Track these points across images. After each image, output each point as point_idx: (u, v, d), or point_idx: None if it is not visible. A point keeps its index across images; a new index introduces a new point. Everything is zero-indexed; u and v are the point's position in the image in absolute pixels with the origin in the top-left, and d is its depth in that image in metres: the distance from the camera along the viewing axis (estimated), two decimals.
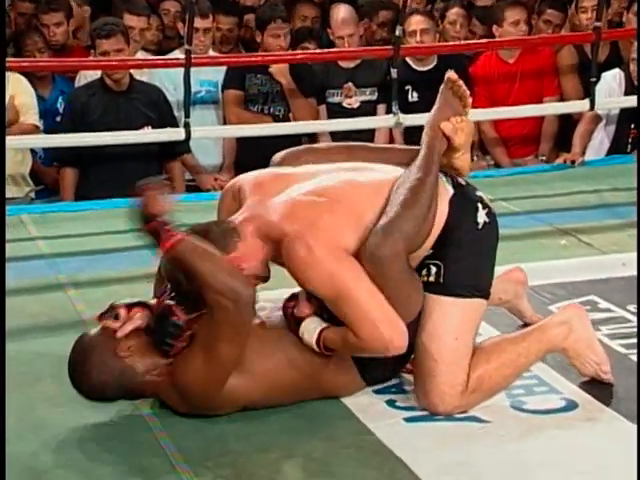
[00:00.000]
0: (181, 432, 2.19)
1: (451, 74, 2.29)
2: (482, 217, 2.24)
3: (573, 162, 4.34)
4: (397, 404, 2.30)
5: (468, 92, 2.27)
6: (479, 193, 2.29)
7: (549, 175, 4.27)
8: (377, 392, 2.34)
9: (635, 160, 4.14)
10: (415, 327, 2.22)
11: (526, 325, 2.57)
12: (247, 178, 2.34)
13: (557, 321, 2.31)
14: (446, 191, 2.23)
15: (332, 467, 2.07)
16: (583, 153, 4.44)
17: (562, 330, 2.29)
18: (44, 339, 2.71)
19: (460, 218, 2.22)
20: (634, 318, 2.69)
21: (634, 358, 2.47)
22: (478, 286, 2.23)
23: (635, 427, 2.15)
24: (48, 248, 3.48)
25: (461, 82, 2.27)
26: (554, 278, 2.97)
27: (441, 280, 2.20)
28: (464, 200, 2.24)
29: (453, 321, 2.20)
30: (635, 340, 2.55)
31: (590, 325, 2.34)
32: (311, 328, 2.19)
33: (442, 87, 2.29)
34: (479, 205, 2.25)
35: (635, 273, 2.88)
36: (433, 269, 2.21)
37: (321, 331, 2.18)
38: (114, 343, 2.16)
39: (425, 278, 2.22)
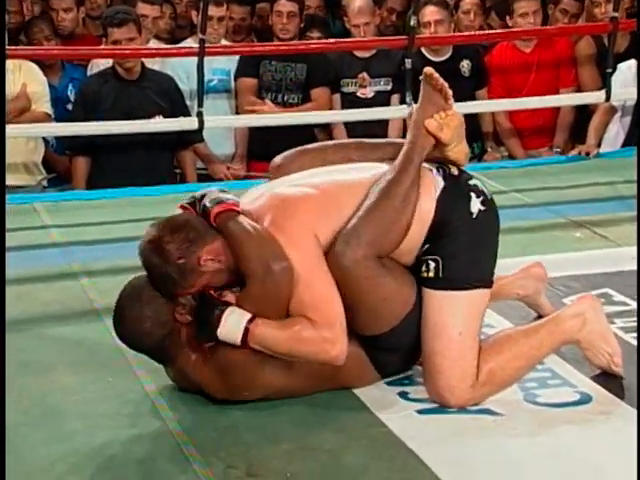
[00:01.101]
0: (193, 422, 2.19)
1: (427, 69, 2.27)
2: (476, 206, 2.22)
3: (588, 154, 4.31)
4: (410, 396, 2.29)
5: (446, 84, 2.24)
6: (473, 182, 2.27)
7: (564, 167, 4.25)
8: (389, 384, 2.33)
9: None
10: (419, 322, 2.22)
11: (540, 317, 2.55)
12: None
13: (571, 313, 2.30)
14: (436, 184, 2.23)
15: (344, 459, 2.06)
16: (598, 145, 4.41)
17: (576, 322, 2.28)
18: (57, 328, 2.71)
19: (453, 210, 2.21)
20: None
21: None
22: (479, 276, 2.22)
23: None
24: (61, 236, 3.48)
25: (438, 75, 2.24)
26: (568, 270, 2.95)
27: (440, 275, 2.20)
28: (455, 191, 2.23)
29: (456, 315, 2.19)
30: None
31: (604, 316, 2.33)
32: (235, 318, 2.13)
33: (422, 83, 2.28)
34: (472, 194, 2.23)
35: None
36: (432, 264, 2.20)
37: (249, 322, 2.13)
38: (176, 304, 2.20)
39: (425, 274, 2.21)
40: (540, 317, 2.56)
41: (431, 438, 2.12)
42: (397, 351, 2.28)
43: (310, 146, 2.45)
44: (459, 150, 2.27)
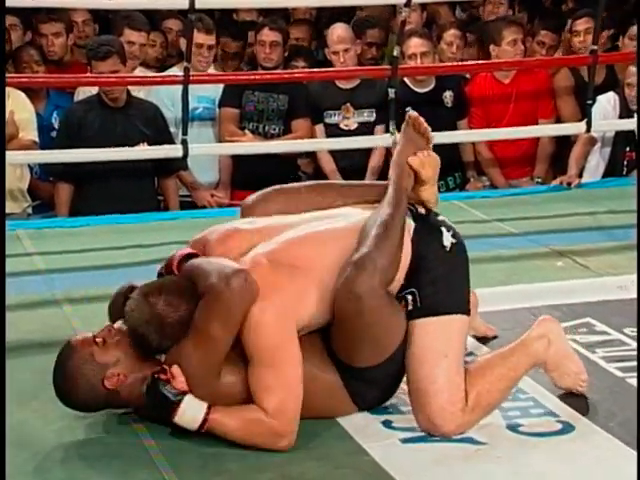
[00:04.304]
0: (176, 451, 2.18)
1: (411, 112, 2.36)
2: (448, 239, 2.29)
3: (569, 184, 4.35)
4: (393, 425, 2.29)
5: (429, 128, 2.35)
6: (441, 217, 2.35)
7: (545, 196, 4.28)
8: (373, 412, 2.33)
9: (631, 182, 4.15)
10: (402, 354, 2.24)
11: (480, 339, 2.68)
12: (213, 235, 2.34)
13: (536, 335, 2.35)
14: (408, 227, 2.28)
15: None
16: (580, 175, 4.46)
17: (542, 343, 2.33)
18: (39, 356, 2.69)
19: (427, 246, 2.27)
20: (630, 341, 2.69)
21: (631, 381, 2.46)
22: (455, 302, 2.27)
23: (632, 451, 2.14)
24: (44, 264, 3.47)
25: (422, 119, 2.34)
26: (550, 300, 2.96)
27: (418, 304, 2.24)
28: (427, 228, 2.30)
29: (438, 339, 2.22)
30: (632, 363, 2.54)
31: (565, 336, 2.40)
32: (193, 409, 2.13)
33: (404, 125, 2.36)
34: (443, 229, 2.31)
35: (632, 296, 2.88)
36: (409, 297, 2.25)
37: (206, 413, 2.14)
38: (101, 371, 2.18)
39: (404, 309, 2.25)
40: (479, 339, 2.68)
41: (415, 467, 2.12)
42: (379, 383, 2.29)
43: (284, 187, 2.46)
44: (432, 191, 2.35)
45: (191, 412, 2.14)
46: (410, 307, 2.24)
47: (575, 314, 2.88)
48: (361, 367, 2.24)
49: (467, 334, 2.33)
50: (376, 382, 2.28)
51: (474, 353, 2.60)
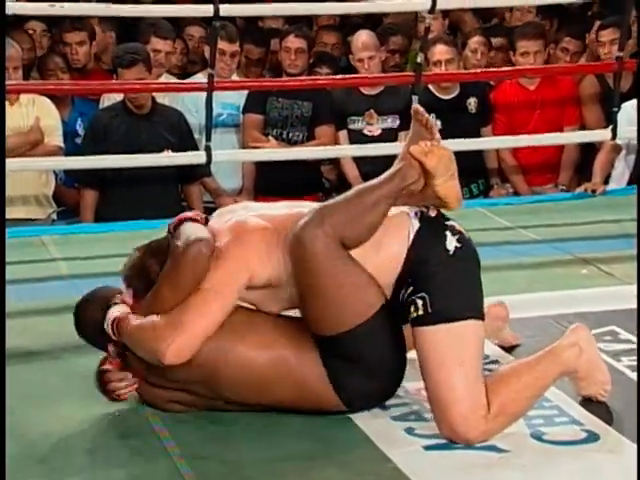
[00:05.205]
0: (199, 457, 2.18)
1: (415, 106, 2.35)
2: (452, 243, 2.27)
3: (594, 191, 4.33)
4: (416, 432, 2.28)
5: (432, 120, 2.32)
6: (449, 222, 2.32)
7: (570, 204, 4.26)
8: (395, 419, 2.33)
9: None
10: (387, 341, 2.26)
11: (507, 349, 2.66)
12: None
13: (567, 343, 2.33)
14: (410, 227, 2.28)
15: None
16: (605, 182, 4.43)
17: (573, 351, 2.32)
18: (63, 360, 2.71)
19: (429, 249, 2.26)
20: None
21: None
22: (468, 307, 2.25)
23: None
24: (69, 269, 3.49)
25: (424, 111, 2.31)
26: (575, 308, 2.95)
27: (430, 310, 2.22)
28: (431, 231, 2.29)
29: (455, 347, 2.21)
30: None
31: (596, 345, 2.38)
32: (112, 312, 2.33)
33: (412, 120, 2.34)
34: (447, 233, 2.28)
35: None
36: (419, 302, 2.23)
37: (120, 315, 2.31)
38: (115, 293, 2.47)
39: (415, 314, 2.24)
40: (506, 349, 2.67)
41: (437, 475, 2.12)
42: (355, 368, 2.26)
43: None
44: (449, 186, 2.29)
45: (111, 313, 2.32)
46: (421, 312, 2.23)
47: (600, 322, 2.86)
48: (325, 335, 2.23)
49: (483, 339, 2.30)
50: (350, 362, 2.24)
51: (499, 361, 2.58)
